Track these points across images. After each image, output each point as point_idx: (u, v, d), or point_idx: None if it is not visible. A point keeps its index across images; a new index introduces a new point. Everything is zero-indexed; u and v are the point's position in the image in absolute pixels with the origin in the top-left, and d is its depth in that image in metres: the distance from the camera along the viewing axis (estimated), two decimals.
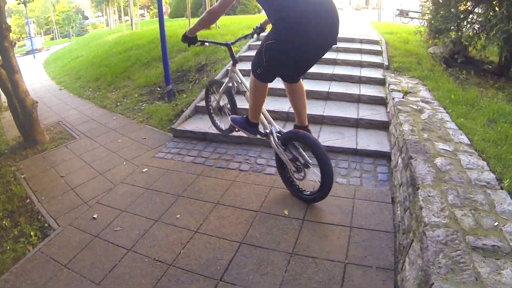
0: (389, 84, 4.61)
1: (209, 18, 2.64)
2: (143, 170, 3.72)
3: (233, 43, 3.11)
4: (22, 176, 4.02)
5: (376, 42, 6.81)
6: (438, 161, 2.42)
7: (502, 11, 4.69)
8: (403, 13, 19.25)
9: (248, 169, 3.54)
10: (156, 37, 9.35)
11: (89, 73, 9.01)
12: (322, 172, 2.55)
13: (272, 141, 2.85)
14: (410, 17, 19.16)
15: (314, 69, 5.01)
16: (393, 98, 3.96)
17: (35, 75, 12.03)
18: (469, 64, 5.76)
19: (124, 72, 7.65)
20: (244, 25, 9.69)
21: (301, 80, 2.83)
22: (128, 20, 23.03)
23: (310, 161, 2.68)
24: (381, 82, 5.15)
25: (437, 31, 6.15)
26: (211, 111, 3.77)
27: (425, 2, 7.23)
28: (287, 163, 2.78)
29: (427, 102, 3.85)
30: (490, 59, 5.93)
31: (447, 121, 3.29)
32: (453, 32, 5.81)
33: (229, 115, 3.33)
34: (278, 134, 2.88)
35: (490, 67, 5.80)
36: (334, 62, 5.83)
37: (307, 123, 2.91)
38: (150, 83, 6.51)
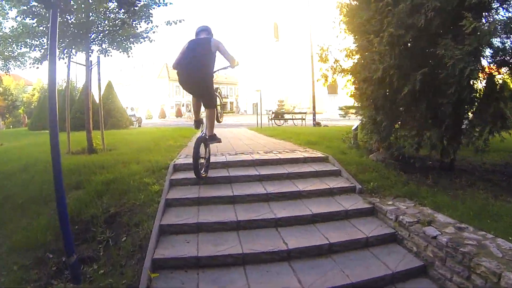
0: (396, 216, 3.96)
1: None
2: None
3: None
4: None
5: (323, 160, 5.98)
6: None
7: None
8: (278, 116, 20.39)
9: None
10: (30, 162, 6.80)
11: None
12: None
13: (202, 134, 5.11)
14: (284, 119, 20.43)
15: (289, 212, 4.18)
16: (435, 237, 3.38)
17: None
18: (410, 165, 5.73)
19: None
20: (142, 146, 8.07)
21: (211, 110, 5.00)
22: None
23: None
24: (370, 213, 4.36)
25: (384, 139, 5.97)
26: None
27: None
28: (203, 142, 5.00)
29: (462, 230, 3.54)
30: (423, 154, 6.07)
31: None
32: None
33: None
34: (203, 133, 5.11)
35: (430, 162, 6.05)
36: (298, 195, 4.61)
37: (208, 134, 5.07)
38: (34, 243, 3.83)
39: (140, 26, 7.99)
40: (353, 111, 17.01)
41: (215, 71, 4.97)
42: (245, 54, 49.57)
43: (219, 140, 5.24)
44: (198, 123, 5.45)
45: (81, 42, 7.55)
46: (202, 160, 4.88)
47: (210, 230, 3.76)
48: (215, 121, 5.23)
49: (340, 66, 6.41)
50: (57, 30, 2.98)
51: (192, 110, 5.98)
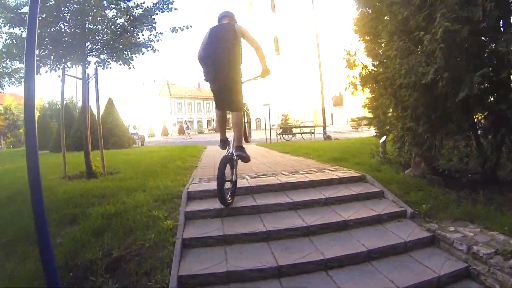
0: (468, 247, 3.24)
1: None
2: None
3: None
4: None
5: (360, 179, 5.19)
6: None
7: None
8: (286, 131, 19.93)
9: None
10: (20, 190, 5.90)
11: None
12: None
13: (228, 153, 4.25)
14: (292, 133, 19.97)
15: (339, 250, 3.37)
16: None
17: None
18: (454, 180, 5.26)
19: None
20: (147, 168, 7.27)
21: (237, 114, 4.28)
22: None
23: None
24: (431, 243, 3.62)
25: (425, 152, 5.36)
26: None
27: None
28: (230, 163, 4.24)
29: None
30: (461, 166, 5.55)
31: None
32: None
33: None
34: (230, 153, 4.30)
35: (470, 175, 5.40)
36: (344, 226, 3.82)
37: (236, 145, 4.35)
38: None
39: (142, 34, 7.21)
40: (365, 122, 16.32)
41: (242, 83, 4.37)
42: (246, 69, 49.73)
43: (246, 156, 4.41)
44: (224, 142, 4.63)
45: (77, 53, 6.76)
46: (227, 185, 4.12)
47: (244, 280, 2.95)
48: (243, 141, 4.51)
49: (369, 72, 5.76)
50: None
51: (216, 125, 5.59)
